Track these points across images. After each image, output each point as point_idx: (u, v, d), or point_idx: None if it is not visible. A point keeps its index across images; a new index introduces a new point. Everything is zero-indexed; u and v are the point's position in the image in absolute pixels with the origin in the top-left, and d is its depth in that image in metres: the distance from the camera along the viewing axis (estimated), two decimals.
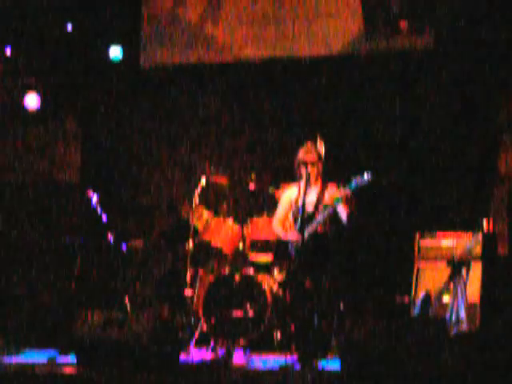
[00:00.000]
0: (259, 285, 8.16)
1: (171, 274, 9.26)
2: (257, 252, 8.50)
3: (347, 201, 7.19)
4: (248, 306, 8.15)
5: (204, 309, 8.21)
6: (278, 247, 7.70)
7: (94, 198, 8.55)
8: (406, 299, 8.15)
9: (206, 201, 8.72)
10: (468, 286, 7.49)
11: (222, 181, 8.72)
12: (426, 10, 8.57)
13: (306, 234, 7.21)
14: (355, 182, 7.07)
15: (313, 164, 7.40)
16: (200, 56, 9.86)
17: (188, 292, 8.35)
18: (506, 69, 8.77)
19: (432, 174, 8.99)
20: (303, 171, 7.39)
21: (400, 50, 9.12)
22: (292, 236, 7.39)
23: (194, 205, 8.46)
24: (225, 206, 8.71)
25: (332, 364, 7.05)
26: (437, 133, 9.03)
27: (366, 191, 7.15)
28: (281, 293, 8.10)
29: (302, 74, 9.50)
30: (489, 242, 7.95)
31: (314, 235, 7.28)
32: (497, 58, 8.75)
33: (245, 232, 8.52)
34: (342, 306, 7.55)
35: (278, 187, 8.47)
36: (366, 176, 7.04)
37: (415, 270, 8.19)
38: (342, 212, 7.31)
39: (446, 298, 7.54)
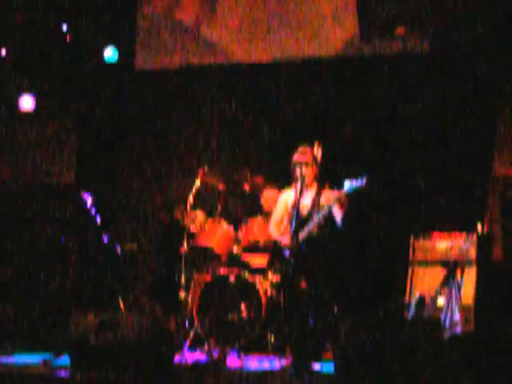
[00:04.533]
0: (254, 287, 8.16)
1: (165, 276, 9.26)
2: (251, 254, 8.51)
3: (342, 204, 7.20)
4: (242, 308, 8.15)
5: (198, 311, 8.20)
6: (274, 250, 7.70)
7: (89, 200, 8.54)
8: (401, 301, 8.15)
9: (200, 204, 8.71)
10: (462, 289, 7.49)
11: (217, 183, 8.72)
12: (422, 15, 8.58)
13: (301, 237, 7.22)
14: (350, 185, 7.08)
15: (307, 165, 7.40)
16: (195, 58, 9.86)
17: (182, 294, 8.35)
18: (502, 72, 8.79)
19: (427, 176, 9.01)
20: (298, 173, 7.40)
21: (396, 54, 9.13)
22: (286, 240, 7.40)
23: (188, 207, 8.46)
24: (219, 208, 8.71)
25: (326, 367, 7.05)
26: (432, 135, 9.05)
27: (361, 194, 7.16)
28: (275, 295, 8.10)
29: (298, 77, 9.50)
30: (483, 244, 7.97)
31: (309, 238, 7.28)
32: (492, 62, 8.76)
33: (239, 234, 8.53)
34: (336, 308, 7.55)
35: (261, 191, 8.51)
36: (360, 180, 7.05)
37: (410, 272, 8.19)
38: (337, 215, 7.31)
39: (441, 301, 7.55)
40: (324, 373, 6.99)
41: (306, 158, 7.42)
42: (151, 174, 9.93)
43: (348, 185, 7.08)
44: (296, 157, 7.47)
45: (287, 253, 7.39)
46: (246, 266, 8.46)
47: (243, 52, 9.71)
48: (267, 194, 8.52)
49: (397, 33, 8.77)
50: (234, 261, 8.51)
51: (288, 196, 7.63)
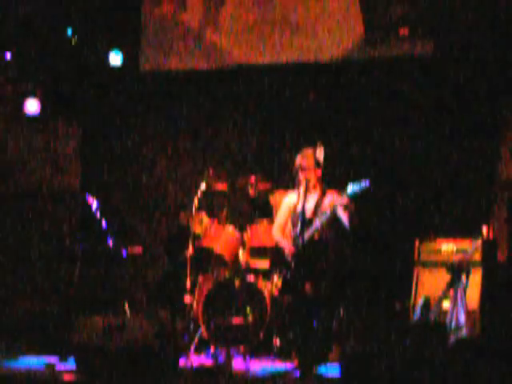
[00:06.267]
0: (259, 291, 8.15)
1: (171, 280, 9.26)
2: (256, 258, 8.50)
3: (346, 207, 7.21)
4: (248, 311, 8.14)
5: (204, 315, 8.20)
6: (276, 253, 7.69)
7: (94, 204, 8.54)
8: (406, 305, 8.15)
9: (205, 207, 8.72)
10: (468, 292, 7.48)
11: (222, 187, 8.72)
12: (426, 17, 8.57)
13: (304, 240, 7.21)
14: (353, 188, 7.08)
15: (310, 170, 7.42)
16: (200, 61, 9.86)
17: (188, 298, 8.34)
18: (506, 75, 8.78)
19: (432, 180, 9.00)
20: (301, 177, 7.41)
21: (400, 56, 9.13)
22: (287, 247, 7.42)
23: (193, 211, 8.46)
24: (224, 211, 8.70)
25: (332, 370, 7.05)
26: (436, 139, 9.04)
27: (365, 197, 7.16)
28: (281, 298, 8.09)
29: (302, 80, 9.50)
30: (488, 248, 7.96)
31: (311, 242, 7.28)
32: (496, 63, 8.75)
33: (244, 238, 8.52)
34: (341, 311, 7.55)
35: (272, 193, 8.51)
36: (363, 182, 7.06)
37: (415, 276, 8.19)
38: (343, 217, 7.32)
39: (446, 304, 7.53)
40: (329, 377, 6.98)
41: (309, 162, 7.43)
42: (156, 178, 9.93)
43: (351, 187, 7.10)
44: (299, 160, 7.48)
45: (289, 256, 7.40)
46: (251, 268, 8.45)
47: (248, 55, 9.71)
48: (277, 196, 8.50)
49: (401, 34, 8.76)
50: (239, 264, 8.50)
51: (291, 199, 7.64)
